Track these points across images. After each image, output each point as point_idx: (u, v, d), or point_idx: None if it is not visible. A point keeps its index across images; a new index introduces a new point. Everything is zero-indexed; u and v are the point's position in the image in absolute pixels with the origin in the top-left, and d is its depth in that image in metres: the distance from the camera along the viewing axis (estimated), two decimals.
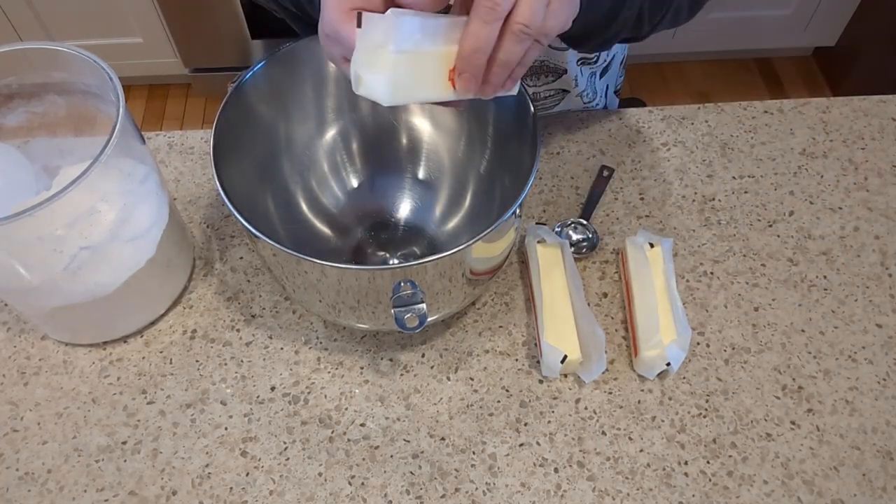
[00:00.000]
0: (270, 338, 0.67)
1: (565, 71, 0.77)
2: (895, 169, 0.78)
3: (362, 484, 0.59)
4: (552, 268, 0.67)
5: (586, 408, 0.62)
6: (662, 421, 0.62)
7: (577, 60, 0.77)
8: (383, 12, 0.44)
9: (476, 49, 0.43)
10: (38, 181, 0.65)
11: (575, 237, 0.72)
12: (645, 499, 0.58)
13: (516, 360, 0.65)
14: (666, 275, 0.66)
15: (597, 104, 0.87)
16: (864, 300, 0.68)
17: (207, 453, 0.60)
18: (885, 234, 0.73)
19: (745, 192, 0.76)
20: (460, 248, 0.51)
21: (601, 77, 0.85)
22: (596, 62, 0.80)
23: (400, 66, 0.43)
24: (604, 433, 0.61)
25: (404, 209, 0.72)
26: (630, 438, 0.61)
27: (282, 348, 0.66)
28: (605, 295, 0.69)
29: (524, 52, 0.44)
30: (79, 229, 0.55)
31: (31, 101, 0.63)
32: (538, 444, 0.60)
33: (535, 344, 0.65)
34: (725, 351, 0.65)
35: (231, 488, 0.59)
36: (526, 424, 0.61)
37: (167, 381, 0.64)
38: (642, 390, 0.63)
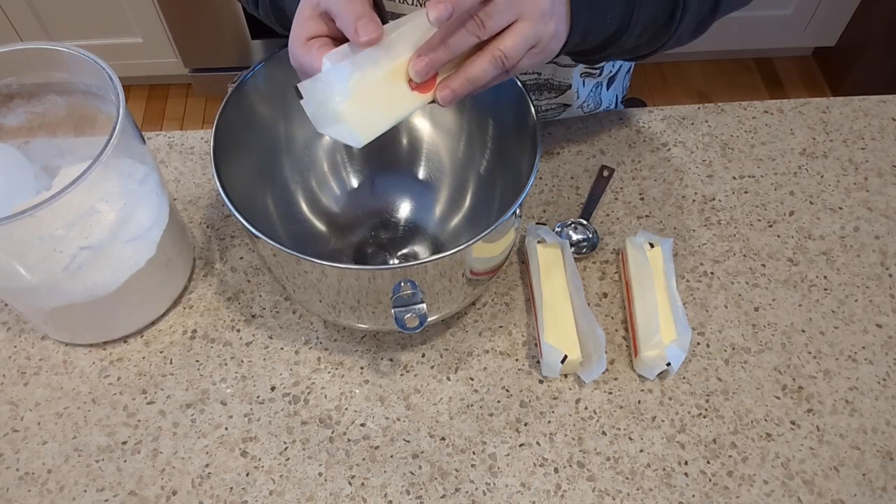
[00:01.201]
0: (270, 338, 0.67)
1: (569, 86, 0.77)
2: (895, 169, 0.78)
3: (362, 484, 0.59)
4: (552, 268, 0.67)
5: (586, 408, 0.62)
6: (662, 421, 0.62)
7: (581, 73, 0.77)
8: (332, 38, 0.46)
9: (446, 45, 0.44)
10: (38, 181, 0.65)
11: (575, 237, 0.72)
12: (645, 499, 0.58)
13: (516, 360, 0.65)
14: (666, 275, 0.66)
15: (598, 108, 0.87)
16: (864, 300, 0.68)
17: (207, 453, 0.60)
18: (885, 234, 0.73)
19: (745, 192, 0.76)
20: (460, 248, 0.51)
21: (608, 87, 0.84)
22: (600, 74, 0.79)
23: (353, 110, 0.44)
24: (604, 433, 0.61)
25: (404, 209, 0.72)
26: (630, 438, 0.61)
27: (282, 348, 0.66)
28: (605, 295, 0.69)
29: (493, 77, 0.46)
30: (79, 229, 0.55)
31: (31, 101, 0.63)
32: (538, 444, 0.60)
33: (536, 344, 0.65)
34: (725, 351, 0.65)
35: (231, 488, 0.59)
36: (526, 424, 0.61)
37: (167, 381, 0.64)
38: (642, 390, 0.63)
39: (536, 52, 0.47)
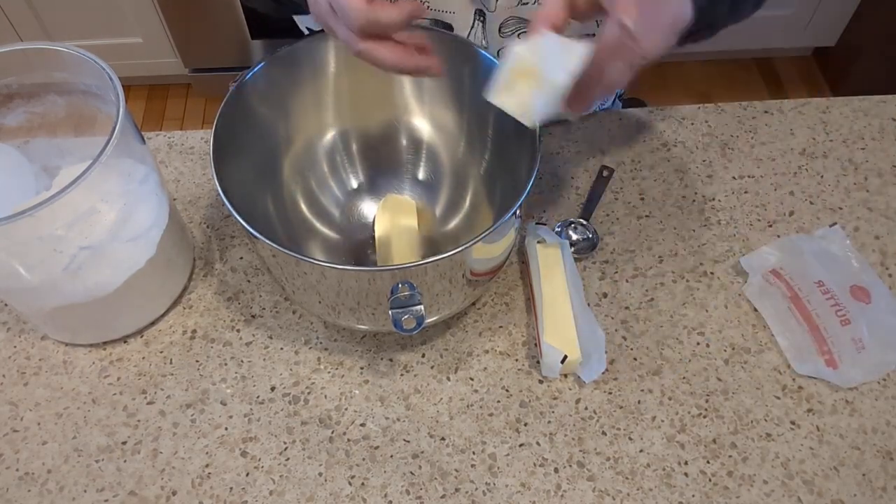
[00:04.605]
0: (270, 338, 0.67)
1: None
2: (895, 169, 0.78)
3: (362, 484, 0.59)
4: (552, 268, 0.67)
5: (586, 408, 0.62)
6: (662, 421, 0.62)
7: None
8: None
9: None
10: (38, 181, 0.65)
11: (575, 237, 0.72)
12: (645, 499, 0.58)
13: (516, 360, 0.65)
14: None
15: (598, 108, 0.87)
16: None
17: (207, 453, 0.60)
18: (885, 234, 0.73)
19: (745, 192, 0.76)
20: (460, 248, 0.51)
21: None
22: None
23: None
24: (604, 433, 0.61)
25: None
26: (630, 438, 0.61)
27: (282, 348, 0.66)
28: (605, 295, 0.69)
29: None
30: (79, 229, 0.55)
31: (31, 101, 0.63)
32: (538, 444, 0.60)
33: (535, 344, 0.65)
34: (725, 351, 0.65)
35: (231, 488, 0.59)
36: (526, 424, 0.61)
37: (167, 381, 0.64)
38: (642, 390, 0.63)
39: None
